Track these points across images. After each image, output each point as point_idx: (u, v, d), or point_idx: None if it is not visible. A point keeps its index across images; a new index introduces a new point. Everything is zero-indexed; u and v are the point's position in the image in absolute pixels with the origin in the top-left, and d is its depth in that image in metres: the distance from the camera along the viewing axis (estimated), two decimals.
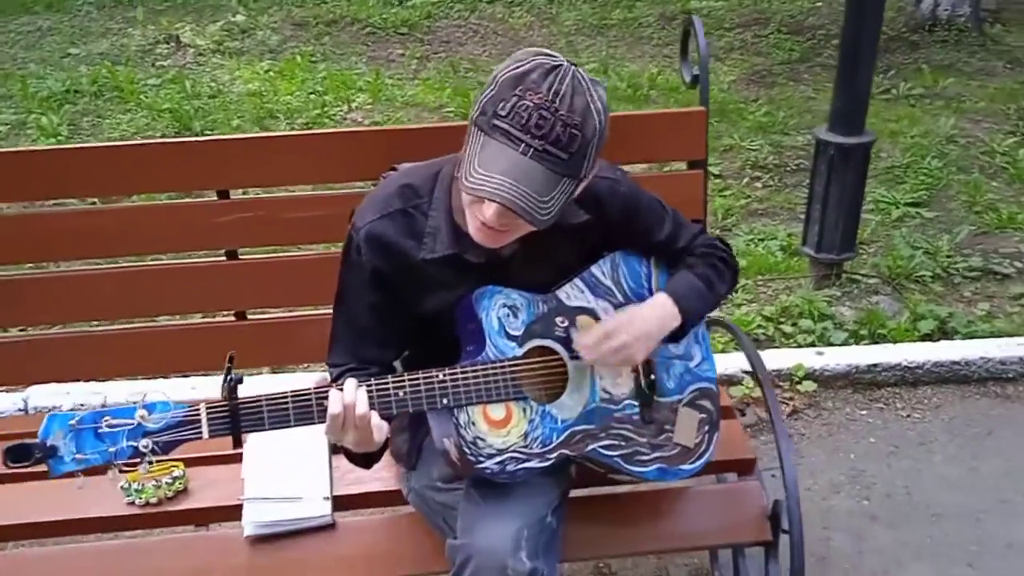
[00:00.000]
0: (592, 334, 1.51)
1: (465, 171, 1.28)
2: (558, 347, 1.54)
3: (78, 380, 2.58)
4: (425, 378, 1.41)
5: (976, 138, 4.58)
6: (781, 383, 2.87)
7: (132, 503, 1.71)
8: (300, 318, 2.12)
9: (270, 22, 6.61)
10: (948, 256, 3.52)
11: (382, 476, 1.78)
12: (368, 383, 1.37)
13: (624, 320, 1.53)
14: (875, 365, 2.89)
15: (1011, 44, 5.80)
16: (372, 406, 1.35)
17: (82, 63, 5.79)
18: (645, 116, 2.20)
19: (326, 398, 1.33)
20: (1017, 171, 4.19)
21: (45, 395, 2.69)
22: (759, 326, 3.15)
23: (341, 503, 1.74)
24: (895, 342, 3.02)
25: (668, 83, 5.31)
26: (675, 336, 1.58)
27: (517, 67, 1.29)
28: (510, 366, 1.47)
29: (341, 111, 5.07)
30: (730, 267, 1.66)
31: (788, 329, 3.14)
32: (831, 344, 3.03)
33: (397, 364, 1.64)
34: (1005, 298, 3.30)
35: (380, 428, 1.35)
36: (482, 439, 1.45)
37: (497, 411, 1.47)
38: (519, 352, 1.50)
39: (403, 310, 1.52)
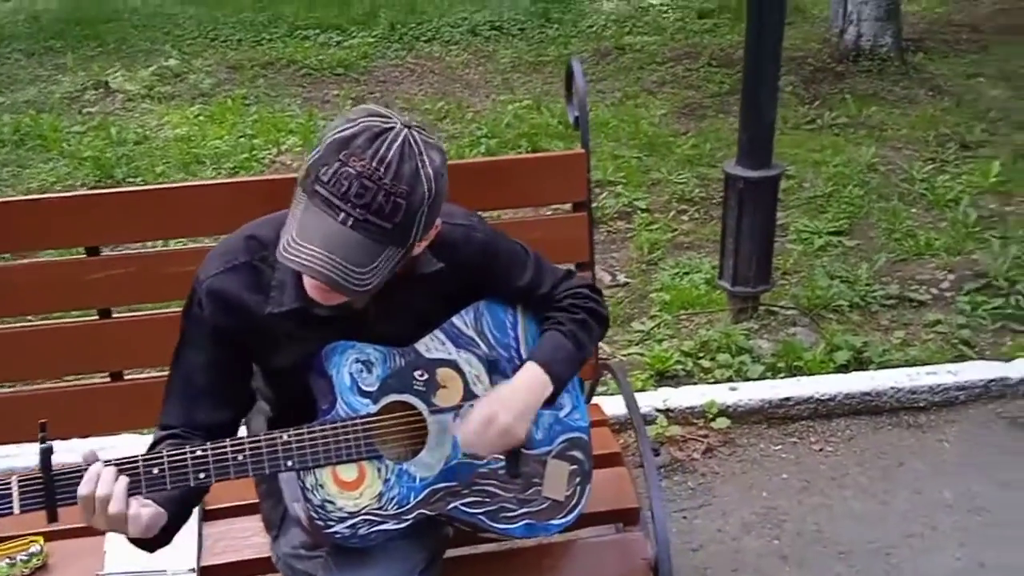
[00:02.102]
0: (472, 423, 1.46)
1: (284, 238, 1.23)
2: (417, 402, 1.49)
3: None
4: (267, 439, 1.35)
5: (896, 165, 4.64)
6: (695, 420, 2.84)
7: None
8: None
9: (204, 65, 6.56)
10: (867, 285, 3.54)
11: (254, 542, 1.72)
12: (158, 457, 1.29)
13: (500, 401, 1.48)
14: (788, 399, 2.88)
15: (933, 72, 5.93)
16: (162, 480, 1.28)
17: (6, 111, 5.69)
18: (526, 160, 2.21)
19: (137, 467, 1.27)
20: (935, 197, 4.25)
21: None
22: (678, 362, 3.13)
23: (209, 573, 1.67)
24: (811, 374, 3.02)
25: (598, 119, 5.34)
26: (549, 400, 1.54)
27: (345, 129, 1.24)
28: (363, 424, 1.42)
29: (270, 154, 5.02)
30: (599, 318, 1.63)
31: (707, 364, 3.13)
32: (748, 378, 3.02)
33: (261, 422, 1.58)
34: (920, 325, 3.32)
35: (136, 519, 1.26)
36: (331, 502, 1.39)
37: (348, 472, 1.41)
38: (373, 409, 1.45)
39: (244, 369, 1.46)
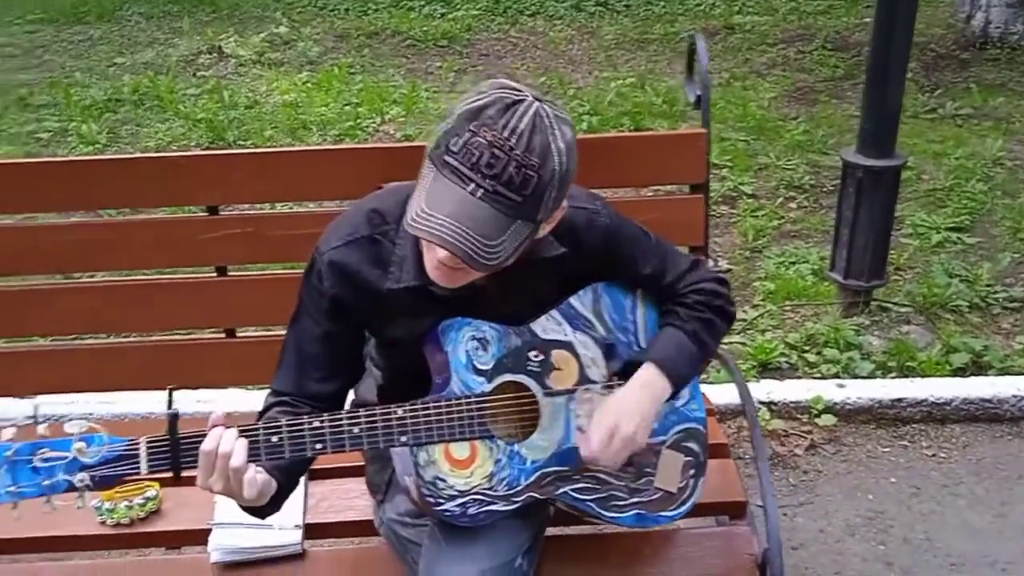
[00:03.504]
0: (595, 437, 1.42)
1: (412, 208, 1.22)
2: (531, 382, 1.46)
3: (82, 391, 2.59)
4: (383, 414, 1.35)
5: None
6: (799, 415, 2.75)
7: (104, 523, 1.68)
8: None
9: (312, 33, 6.66)
10: (988, 285, 3.35)
11: (357, 505, 1.73)
12: (277, 426, 1.30)
13: (619, 411, 1.43)
14: (900, 400, 2.75)
15: None
16: (281, 448, 1.28)
17: (126, 72, 5.90)
18: (644, 137, 2.14)
19: (275, 433, 1.28)
20: None
21: (53, 404, 2.70)
22: (782, 354, 3.03)
23: (313, 531, 1.69)
24: (925, 375, 2.88)
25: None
26: (669, 400, 1.49)
27: (476, 100, 1.22)
28: (476, 403, 1.41)
29: (374, 123, 5.07)
30: (726, 316, 1.56)
31: (812, 358, 3.02)
32: (856, 376, 2.90)
33: (372, 390, 1.59)
34: None
35: (252, 482, 1.26)
36: (442, 479, 1.38)
37: (461, 450, 1.40)
38: (487, 388, 1.43)
39: (357, 342, 1.47)
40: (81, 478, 1.18)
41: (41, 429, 1.18)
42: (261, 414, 1.41)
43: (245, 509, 1.37)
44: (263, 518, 1.42)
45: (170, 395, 1.25)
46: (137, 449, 1.23)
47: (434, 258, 1.27)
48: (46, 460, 1.17)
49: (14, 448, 1.16)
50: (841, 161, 3.12)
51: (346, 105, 5.27)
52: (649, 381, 1.46)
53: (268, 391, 1.47)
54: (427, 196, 1.22)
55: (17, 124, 5.07)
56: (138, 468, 1.23)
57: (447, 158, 1.21)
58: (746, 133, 4.80)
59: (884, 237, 3.09)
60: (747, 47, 6.18)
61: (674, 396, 1.50)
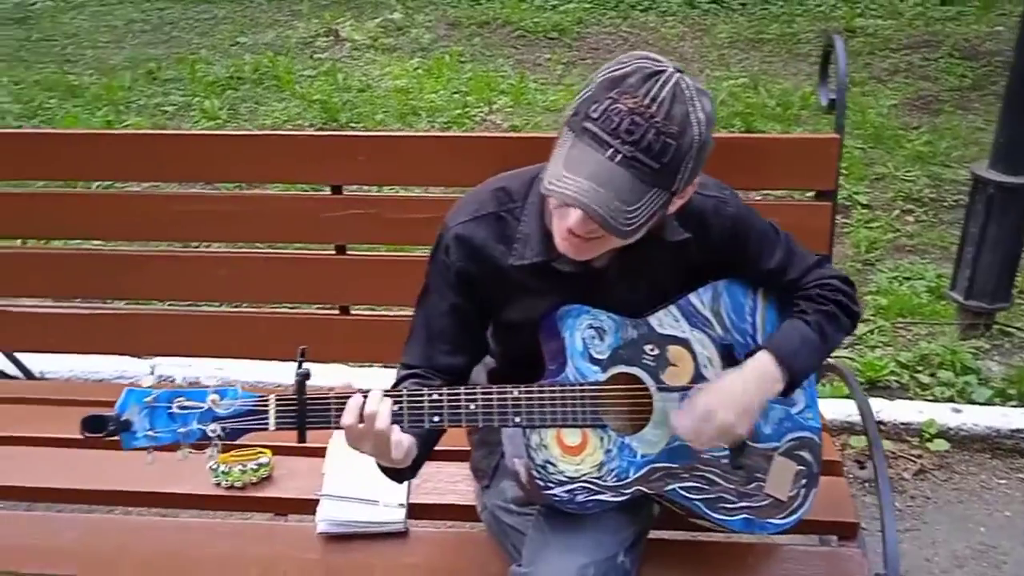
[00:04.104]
0: (689, 415, 1.41)
1: (548, 172, 1.23)
2: (645, 376, 1.45)
3: (198, 355, 2.70)
4: (499, 393, 1.36)
5: None
6: (909, 438, 2.64)
7: (218, 484, 1.75)
8: (404, 317, 2.13)
9: (425, 21, 6.76)
10: None
11: (459, 489, 1.75)
12: (398, 395, 1.32)
13: (722, 395, 1.41)
14: (1019, 430, 2.61)
15: None
16: (401, 420, 1.30)
17: (248, 51, 6.11)
18: (774, 139, 2.09)
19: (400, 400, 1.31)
20: None
21: (170, 366, 2.82)
22: (892, 372, 2.91)
23: (415, 511, 1.72)
24: None
25: (820, 104, 5.03)
26: (782, 394, 1.46)
27: (617, 69, 1.23)
28: (590, 391, 1.40)
29: (482, 112, 5.11)
30: (849, 312, 1.51)
31: (925, 379, 2.89)
32: (972, 401, 2.77)
33: (482, 374, 1.61)
34: None
35: (399, 444, 1.28)
36: (553, 464, 1.39)
37: (572, 437, 1.40)
38: (602, 377, 1.42)
39: (483, 316, 1.48)
40: (213, 428, 1.23)
41: (180, 380, 1.24)
42: (394, 386, 1.44)
43: (384, 471, 1.40)
44: (400, 482, 1.46)
45: (301, 355, 1.28)
46: (267, 405, 1.27)
47: (565, 227, 1.27)
48: (183, 408, 1.22)
49: (154, 394, 1.22)
50: (969, 175, 2.98)
51: (455, 93, 5.33)
52: (762, 370, 1.43)
53: (399, 365, 1.51)
54: (565, 160, 1.23)
55: (146, 96, 5.32)
56: (266, 424, 1.27)
57: (586, 124, 1.22)
58: (863, 141, 4.63)
59: (1012, 258, 2.93)
60: (868, 52, 5.96)
61: (788, 391, 1.46)
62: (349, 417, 1.26)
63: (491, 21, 6.73)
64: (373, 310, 2.34)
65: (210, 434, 1.23)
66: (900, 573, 1.48)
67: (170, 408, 1.22)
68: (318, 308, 2.24)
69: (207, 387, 1.24)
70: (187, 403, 1.22)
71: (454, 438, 1.76)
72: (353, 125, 4.85)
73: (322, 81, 5.45)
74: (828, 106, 1.99)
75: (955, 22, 6.46)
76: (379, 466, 1.38)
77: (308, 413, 1.27)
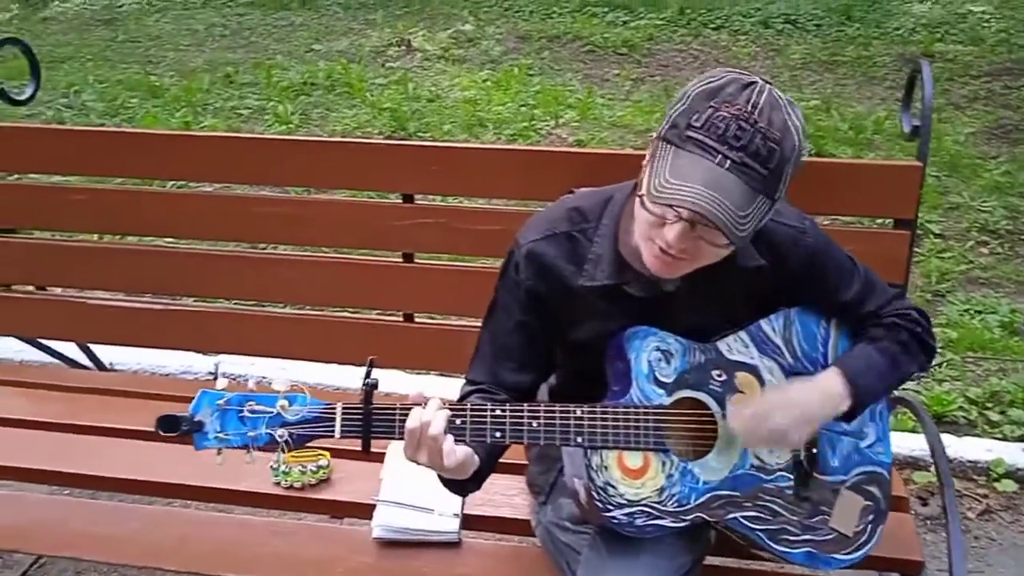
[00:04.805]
0: (745, 413, 1.39)
1: (652, 184, 1.22)
2: (710, 402, 1.43)
3: (262, 355, 2.75)
4: (562, 412, 1.36)
5: None
6: (976, 476, 2.56)
7: (278, 483, 1.78)
8: (467, 327, 2.14)
9: (496, 33, 6.81)
10: None
11: (515, 503, 1.75)
12: (462, 409, 1.32)
13: (782, 401, 1.39)
14: None
15: None
16: (463, 434, 1.30)
17: (322, 58, 6.23)
18: (853, 165, 2.05)
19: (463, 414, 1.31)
20: None
21: (234, 363, 2.88)
22: (960, 408, 2.83)
23: (469, 522, 1.72)
24: None
25: (895, 129, 4.92)
26: (846, 416, 1.43)
27: (710, 82, 1.24)
28: (654, 414, 1.39)
29: (548, 125, 5.12)
30: (925, 345, 1.49)
31: (995, 417, 2.80)
32: None
33: (544, 391, 1.60)
34: None
35: (451, 453, 1.27)
36: (613, 486, 1.37)
37: (634, 459, 1.39)
38: (666, 401, 1.41)
39: (550, 335, 1.47)
40: (281, 433, 1.25)
41: (251, 384, 1.26)
42: (459, 401, 1.44)
43: (446, 484, 1.40)
44: (464, 495, 1.47)
45: (370, 365, 1.30)
46: (333, 413, 1.29)
47: (658, 245, 1.26)
48: (253, 412, 1.24)
49: (226, 397, 1.25)
50: None
51: (522, 106, 5.35)
52: (828, 386, 1.41)
53: (464, 381, 1.51)
54: (671, 169, 1.22)
55: (222, 99, 5.46)
56: (332, 431, 1.28)
57: (689, 133, 1.22)
58: (938, 168, 4.51)
59: None
60: (947, 77, 5.81)
61: (853, 414, 1.43)
62: (413, 422, 1.27)
63: (561, 35, 6.75)
64: (436, 318, 2.36)
65: (278, 439, 1.25)
66: None
67: (241, 411, 1.25)
68: (381, 314, 2.26)
69: (277, 392, 1.26)
70: (257, 407, 1.25)
71: (511, 451, 1.75)
72: (421, 134, 4.91)
73: (392, 90, 5.53)
74: (911, 133, 1.94)
75: None
76: (441, 479, 1.39)
77: (373, 423, 1.29)
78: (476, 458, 1.34)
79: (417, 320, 2.11)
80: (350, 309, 2.51)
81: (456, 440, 1.31)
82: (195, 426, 1.24)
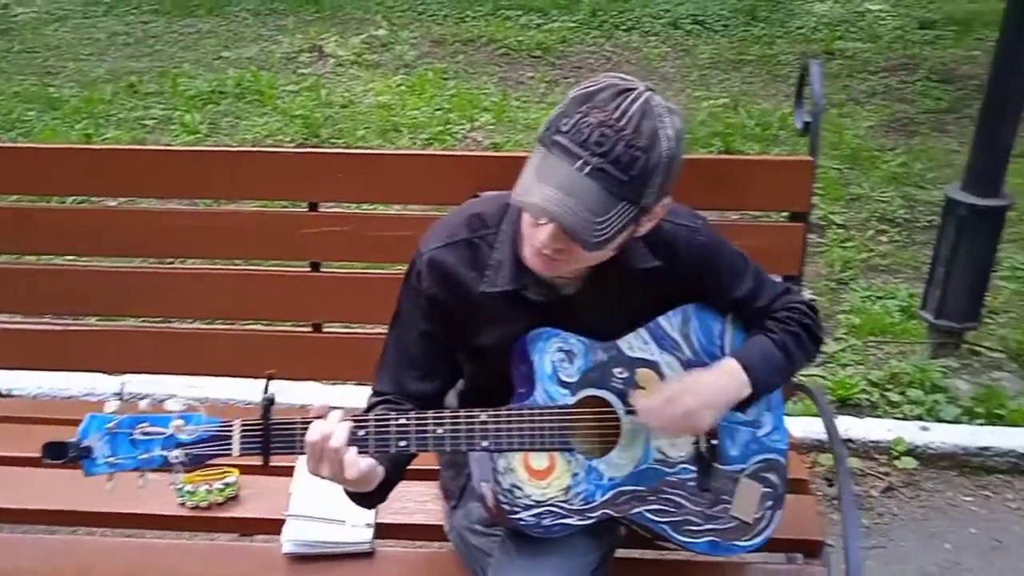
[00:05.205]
0: (654, 397, 1.43)
1: (518, 183, 1.25)
2: (613, 399, 1.46)
3: (170, 372, 2.68)
4: (467, 417, 1.37)
5: None
6: (878, 456, 2.67)
7: (183, 504, 1.74)
8: (377, 335, 2.12)
9: (409, 37, 6.78)
10: None
11: (428, 509, 1.75)
12: (365, 421, 1.31)
13: (689, 384, 1.44)
14: (986, 448, 2.64)
15: None
16: (367, 445, 1.30)
17: (231, 66, 6.10)
18: (748, 161, 2.12)
19: (364, 427, 1.31)
20: None
21: (141, 383, 2.80)
22: (863, 391, 2.94)
23: (383, 531, 1.72)
24: (1015, 425, 2.76)
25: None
26: (742, 405, 1.48)
27: (589, 87, 1.26)
28: (558, 414, 1.41)
29: (464, 129, 5.13)
30: (814, 336, 1.55)
31: (895, 398, 2.92)
32: (941, 420, 2.80)
33: (453, 398, 1.61)
34: None
35: (354, 465, 1.27)
36: (519, 488, 1.39)
37: (539, 460, 1.41)
38: (571, 400, 1.43)
39: (454, 342, 1.48)
40: (176, 455, 1.22)
41: (143, 404, 1.23)
42: (363, 413, 1.43)
43: (352, 497, 1.39)
44: (370, 507, 1.46)
45: (268, 380, 1.28)
46: (231, 431, 1.27)
47: (534, 245, 1.29)
48: (145, 434, 1.21)
49: (116, 420, 1.21)
50: (942, 197, 3.02)
51: (437, 110, 5.35)
52: (728, 372, 1.46)
53: (370, 392, 1.51)
54: (535, 172, 1.25)
55: (126, 110, 5.30)
56: (230, 449, 1.27)
57: (556, 137, 1.24)
58: (840, 161, 4.69)
59: (982, 278, 2.97)
60: (847, 74, 6.04)
61: (752, 401, 1.48)
62: (314, 435, 1.26)
63: (475, 39, 6.77)
64: (346, 327, 2.34)
65: (172, 461, 1.22)
66: None
67: (132, 434, 1.21)
68: (295, 325, 2.23)
69: (171, 412, 1.23)
70: (150, 429, 1.22)
71: (424, 458, 1.75)
72: (334, 141, 4.86)
73: (304, 97, 5.46)
74: (803, 129, 2.02)
75: (933, 46, 6.56)
76: (346, 492, 1.38)
77: (273, 438, 1.27)
78: (380, 469, 1.34)
79: (326, 329, 2.09)
80: (263, 321, 2.47)
81: (360, 451, 1.30)
82: (83, 452, 1.20)
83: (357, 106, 5.40)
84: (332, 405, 1.30)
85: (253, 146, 4.65)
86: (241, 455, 1.26)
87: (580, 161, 1.21)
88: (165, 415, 1.23)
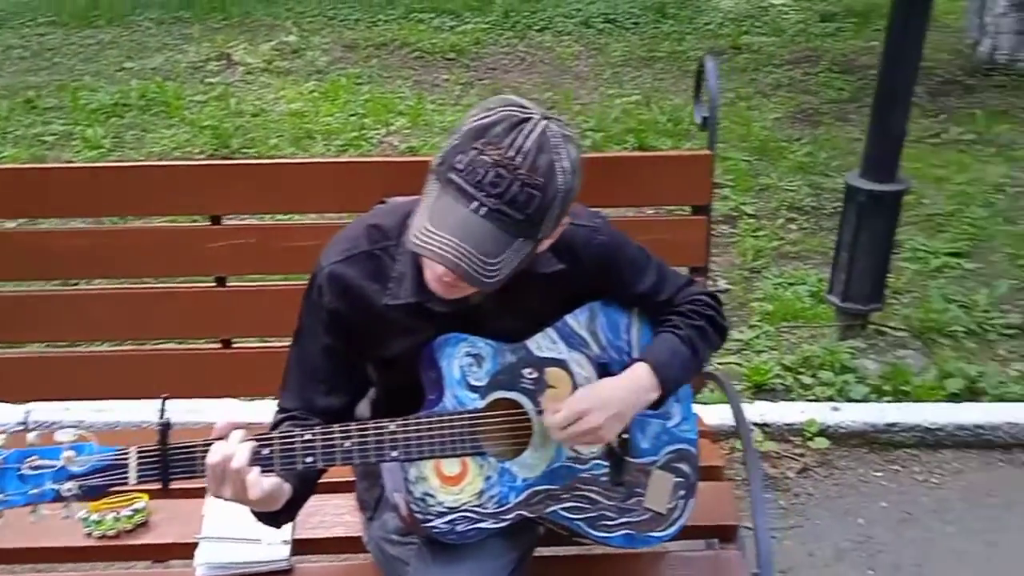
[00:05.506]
0: (562, 413, 1.43)
1: (414, 225, 1.23)
2: (524, 400, 1.47)
3: (77, 398, 2.59)
4: (375, 428, 1.35)
5: None
6: (792, 438, 2.75)
7: (90, 534, 1.68)
8: (287, 349, 2.09)
9: (321, 43, 6.70)
10: (985, 311, 3.35)
11: (346, 521, 1.74)
12: (269, 439, 1.29)
13: (596, 398, 1.44)
14: (893, 424, 2.75)
15: None
16: (272, 463, 1.28)
17: (134, 77, 5.93)
18: (648, 158, 2.16)
19: (267, 446, 1.28)
20: None
21: (46, 411, 2.70)
22: (777, 376, 3.03)
23: (301, 546, 1.69)
24: (920, 400, 2.88)
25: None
26: (654, 405, 1.50)
27: (483, 118, 1.23)
28: (469, 419, 1.41)
29: (379, 134, 5.09)
30: (718, 327, 1.58)
31: (808, 380, 3.02)
32: (851, 399, 2.90)
33: (366, 407, 1.59)
34: None
35: (256, 485, 1.24)
36: (432, 496, 1.39)
37: (451, 467, 1.41)
38: (480, 404, 1.43)
39: (359, 355, 1.47)
40: (69, 487, 1.18)
41: (31, 437, 1.19)
42: (270, 430, 1.41)
43: (259, 517, 1.37)
44: (278, 526, 1.42)
45: (163, 404, 1.25)
46: (127, 459, 1.23)
47: (435, 272, 1.29)
48: (35, 468, 1.17)
49: (2, 456, 1.16)
50: (844, 184, 3.13)
51: (352, 115, 5.30)
52: (637, 379, 1.47)
53: (276, 409, 1.48)
54: (430, 213, 1.23)
55: (23, 126, 5.10)
56: (127, 478, 1.23)
57: (451, 175, 1.22)
58: (749, 153, 4.82)
59: (883, 261, 3.09)
60: (753, 68, 6.21)
61: (664, 400, 1.50)
62: (214, 456, 1.23)
63: (388, 43, 6.73)
64: (260, 342, 2.30)
65: (65, 494, 1.18)
66: (773, 571, 1.52)
67: (20, 469, 1.17)
68: (205, 342, 2.18)
69: (61, 443, 1.19)
70: (39, 462, 1.17)
71: (339, 469, 1.73)
72: (246, 151, 4.77)
73: (213, 106, 5.34)
74: (702, 124, 2.07)
75: (834, 38, 6.80)
76: (253, 512, 1.35)
77: (172, 464, 1.24)
78: (287, 487, 1.32)
79: (236, 345, 2.05)
80: (173, 340, 2.41)
81: (266, 470, 1.28)
82: None
83: (269, 114, 5.31)
84: (236, 423, 1.28)
85: (161, 159, 4.53)
86: (139, 483, 1.23)
87: (476, 203, 1.20)
88: (55, 447, 1.19)
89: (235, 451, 1.23)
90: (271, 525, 1.39)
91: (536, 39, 6.92)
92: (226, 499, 1.26)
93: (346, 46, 6.68)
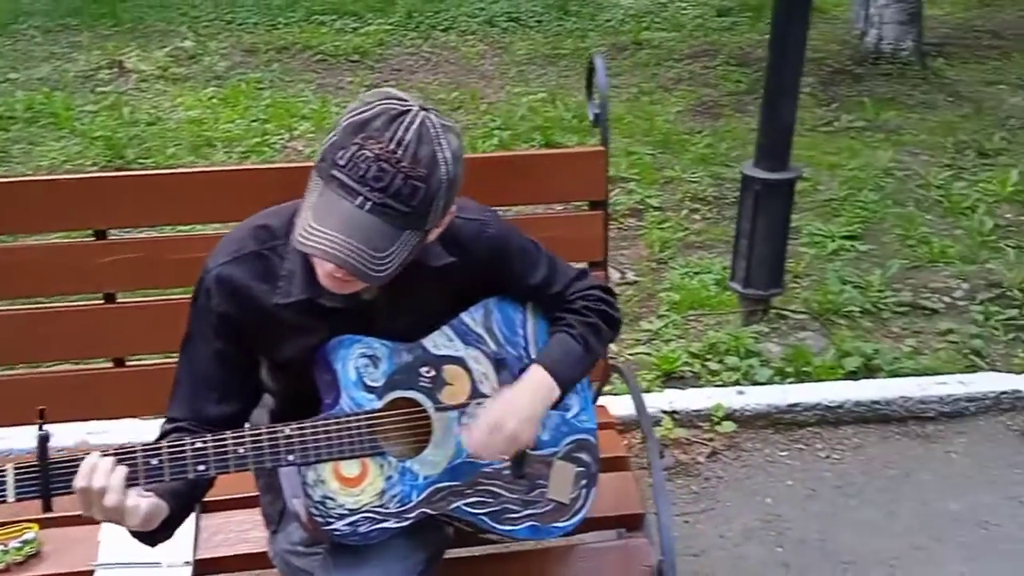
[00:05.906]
0: (479, 429, 1.44)
1: (300, 224, 1.22)
2: (422, 398, 1.47)
3: None
4: (269, 433, 1.33)
5: (913, 171, 4.59)
6: (701, 423, 2.82)
7: None
8: None
9: (219, 48, 6.54)
10: (879, 291, 3.50)
11: (251, 538, 1.70)
12: (157, 448, 1.26)
13: (507, 407, 1.46)
14: (795, 404, 2.85)
15: (952, 78, 5.87)
16: (162, 474, 1.25)
17: (20, 88, 5.68)
18: (543, 155, 2.18)
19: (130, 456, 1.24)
20: (951, 204, 4.20)
21: None
22: (685, 363, 3.10)
23: (204, 567, 1.65)
24: (820, 380, 2.99)
25: (612, 115, 5.29)
26: (555, 404, 1.52)
27: (362, 112, 1.23)
28: (366, 419, 1.40)
29: (282, 139, 5.00)
30: (610, 320, 1.60)
31: (715, 366, 3.09)
32: (756, 382, 2.99)
33: (264, 415, 1.56)
34: (932, 334, 3.28)
35: (135, 513, 1.22)
36: (331, 498, 1.37)
37: (351, 468, 1.39)
38: (378, 404, 1.42)
39: (252, 359, 1.44)
40: None
41: None
42: (156, 441, 1.36)
43: (134, 535, 1.32)
44: (153, 545, 1.37)
45: (41, 416, 1.20)
46: (3, 475, 1.18)
47: (325, 269, 1.28)
48: None
49: None
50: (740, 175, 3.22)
51: (253, 121, 5.19)
52: (536, 382, 1.49)
53: (163, 420, 1.43)
54: (314, 211, 1.21)
55: None
56: (5, 495, 1.17)
57: (334, 172, 1.21)
58: (652, 147, 4.91)
59: (781, 247, 3.19)
60: (655, 62, 6.33)
61: (562, 398, 1.52)
62: (82, 480, 1.19)
63: (290, 46, 6.61)
64: (155, 358, 2.23)
65: None
66: (675, 557, 1.56)
67: None
68: (101, 362, 2.10)
69: None
70: None
71: (242, 484, 1.70)
72: (142, 161, 4.62)
73: (105, 116, 5.15)
74: (594, 121, 2.10)
75: (730, 32, 6.99)
76: (130, 531, 1.31)
77: (52, 479, 1.19)
78: (165, 507, 1.28)
79: (129, 363, 1.98)
80: (65, 361, 2.31)
81: (155, 481, 1.25)
82: None
83: (166, 123, 5.16)
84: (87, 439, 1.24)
85: (51, 173, 4.34)
86: (18, 500, 1.17)
87: (360, 198, 1.19)
88: None
89: (107, 485, 1.20)
90: (147, 544, 1.35)
91: (440, 39, 6.91)
92: (98, 520, 1.22)
93: (245, 50, 6.53)
